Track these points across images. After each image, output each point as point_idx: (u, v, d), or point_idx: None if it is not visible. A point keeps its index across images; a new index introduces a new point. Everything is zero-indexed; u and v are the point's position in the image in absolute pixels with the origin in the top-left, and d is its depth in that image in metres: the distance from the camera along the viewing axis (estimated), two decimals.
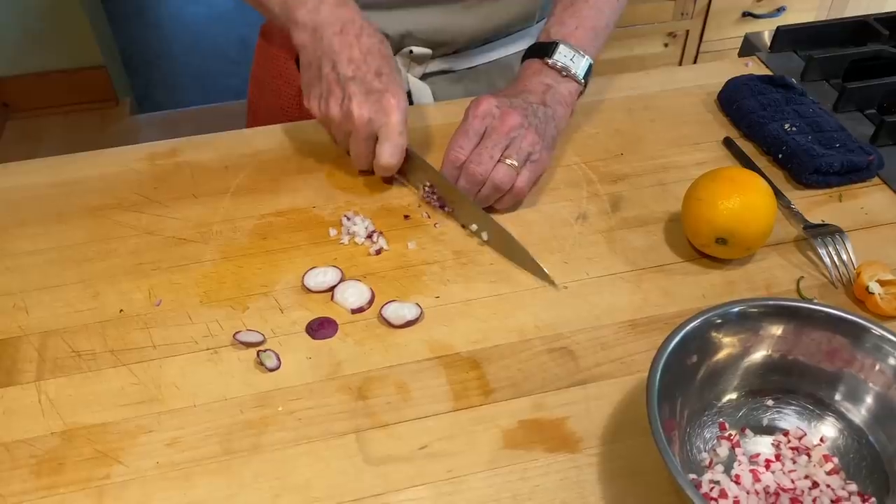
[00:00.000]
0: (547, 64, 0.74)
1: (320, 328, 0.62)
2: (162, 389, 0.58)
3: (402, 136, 0.70)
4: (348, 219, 0.71)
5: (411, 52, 0.85)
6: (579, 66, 0.75)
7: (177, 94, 2.63)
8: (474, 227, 0.70)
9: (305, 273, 0.66)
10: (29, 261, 0.69)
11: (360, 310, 0.64)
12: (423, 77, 0.89)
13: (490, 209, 0.72)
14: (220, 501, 0.52)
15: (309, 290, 0.65)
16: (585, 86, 0.76)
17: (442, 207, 0.72)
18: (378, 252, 0.69)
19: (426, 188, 0.73)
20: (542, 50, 0.75)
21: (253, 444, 0.55)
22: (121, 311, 0.64)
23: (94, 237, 0.71)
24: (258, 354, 0.60)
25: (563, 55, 0.74)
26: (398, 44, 0.85)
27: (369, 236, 0.70)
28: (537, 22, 0.92)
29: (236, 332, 0.61)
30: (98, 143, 0.82)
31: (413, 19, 0.83)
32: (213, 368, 0.60)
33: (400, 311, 0.63)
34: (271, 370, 0.59)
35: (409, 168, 0.74)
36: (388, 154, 0.69)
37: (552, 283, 0.66)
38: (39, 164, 0.79)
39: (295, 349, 0.61)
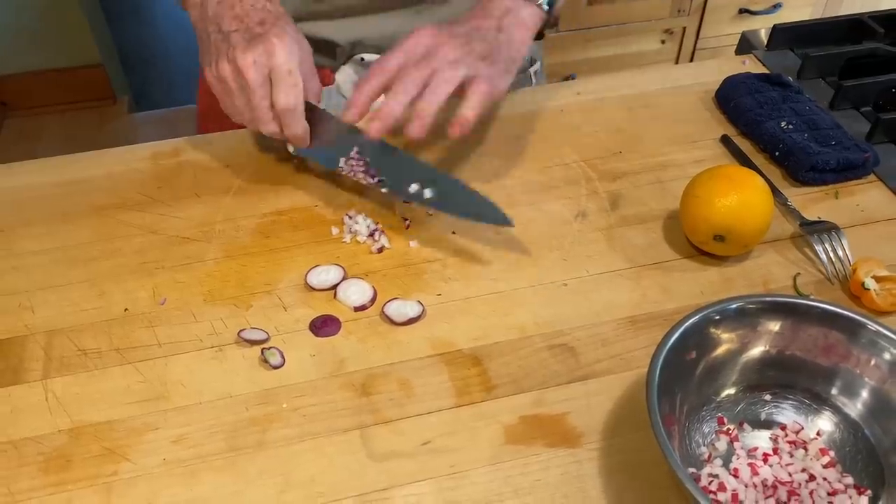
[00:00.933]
0: None
1: (323, 326, 0.63)
2: (167, 387, 0.59)
3: (294, 76, 0.66)
4: (350, 217, 0.72)
5: (362, 59, 0.84)
6: None
7: (174, 92, 2.63)
8: (414, 187, 0.66)
9: (308, 271, 0.67)
10: (34, 260, 0.69)
11: (362, 307, 0.65)
12: None
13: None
14: (226, 497, 0.53)
15: (312, 289, 0.66)
16: (549, 18, 0.74)
17: (373, 178, 0.68)
18: (380, 250, 0.69)
19: (349, 159, 0.69)
20: None
21: (258, 441, 0.56)
22: (126, 309, 0.65)
23: (98, 237, 0.71)
24: (262, 352, 0.60)
25: None
26: (349, 52, 0.85)
27: (371, 235, 0.70)
28: None
29: (240, 330, 0.62)
30: (96, 142, 0.83)
31: (363, 28, 0.83)
32: (218, 366, 0.61)
33: (402, 308, 0.64)
34: (275, 367, 0.60)
35: (324, 131, 0.71)
36: (282, 95, 0.66)
37: (508, 223, 0.65)
38: (43, 163, 0.79)
39: (298, 347, 0.62)
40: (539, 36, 0.75)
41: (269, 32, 0.66)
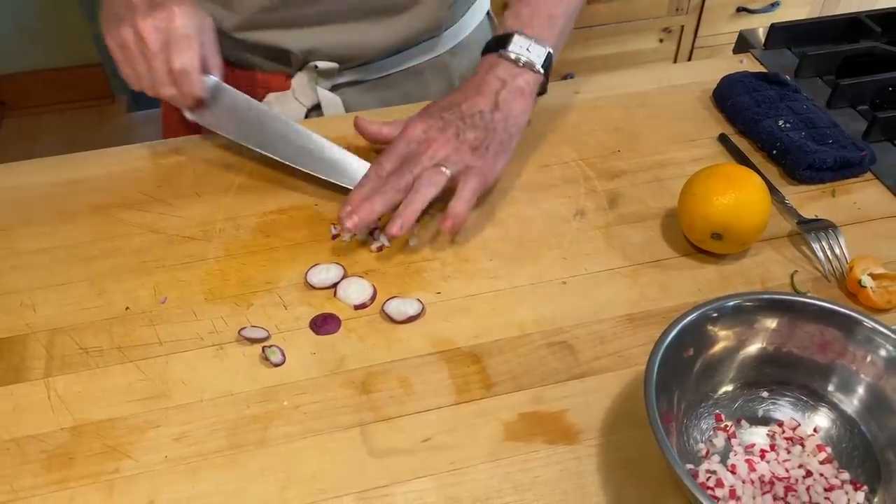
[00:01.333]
0: (502, 56, 0.72)
1: (324, 324, 0.63)
2: (169, 385, 0.60)
3: (190, 40, 0.68)
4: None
5: (316, 66, 0.84)
6: (536, 55, 0.72)
7: None
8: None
9: (308, 270, 0.67)
10: (35, 259, 0.69)
11: (362, 306, 0.65)
12: (334, 89, 0.87)
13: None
14: (228, 494, 0.53)
15: (312, 287, 0.66)
16: (547, 77, 0.74)
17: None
18: (380, 249, 0.70)
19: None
20: (498, 43, 0.73)
21: (259, 438, 0.56)
22: (127, 308, 0.65)
23: (99, 236, 0.71)
24: (263, 350, 0.61)
25: (518, 45, 0.72)
26: (302, 60, 0.84)
27: (371, 233, 0.71)
28: (445, 31, 0.90)
29: (241, 329, 0.62)
30: (95, 141, 0.83)
31: (316, 37, 0.82)
32: (219, 364, 0.61)
33: (402, 306, 0.64)
34: (276, 365, 0.61)
35: (227, 107, 0.74)
36: (177, 56, 0.68)
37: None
38: (43, 163, 0.80)
39: (299, 345, 0.62)
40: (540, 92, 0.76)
41: (170, 2, 0.68)
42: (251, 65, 0.86)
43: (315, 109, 0.88)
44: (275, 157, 0.74)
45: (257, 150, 0.74)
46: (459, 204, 0.67)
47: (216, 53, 0.73)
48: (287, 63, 0.85)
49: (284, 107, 0.86)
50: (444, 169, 0.67)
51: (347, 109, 0.88)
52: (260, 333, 0.62)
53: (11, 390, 0.59)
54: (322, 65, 0.84)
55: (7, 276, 0.68)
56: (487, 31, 0.97)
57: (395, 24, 0.84)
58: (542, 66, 0.73)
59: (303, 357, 0.61)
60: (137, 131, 2.43)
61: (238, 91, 0.75)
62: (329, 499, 0.53)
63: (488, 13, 0.98)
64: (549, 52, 0.73)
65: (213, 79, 0.73)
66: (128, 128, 2.44)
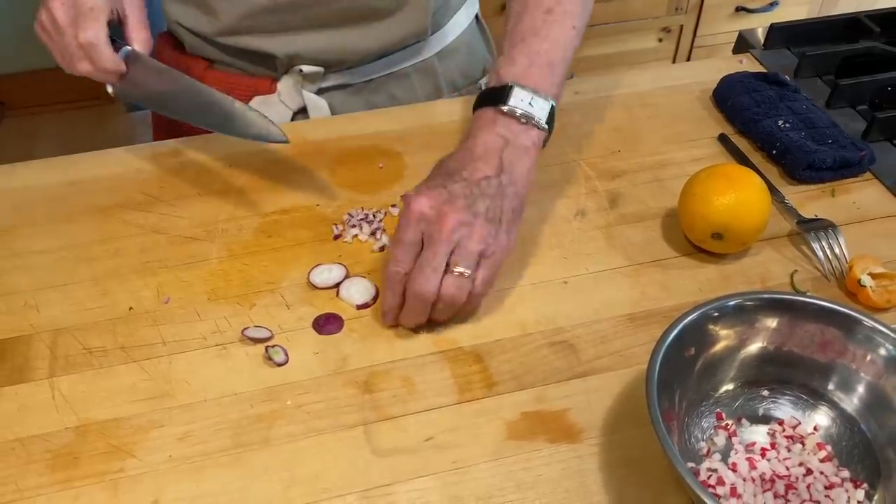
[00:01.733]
0: (502, 112, 0.65)
1: (326, 324, 0.64)
2: (172, 385, 0.60)
3: (95, 12, 0.67)
4: (351, 216, 0.73)
5: (301, 70, 0.83)
6: (539, 108, 0.65)
7: None
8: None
9: (311, 270, 0.68)
10: (39, 260, 0.70)
11: (365, 305, 0.65)
12: (320, 92, 0.87)
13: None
14: (232, 494, 0.53)
15: (315, 287, 0.67)
16: (550, 131, 0.67)
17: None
18: (382, 249, 0.70)
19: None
20: (495, 96, 0.66)
21: (263, 438, 0.56)
22: (130, 308, 0.65)
23: (102, 236, 0.72)
24: (266, 350, 0.61)
25: (518, 100, 0.65)
26: (287, 64, 0.84)
27: (373, 233, 0.71)
28: (430, 35, 0.88)
29: (244, 329, 0.63)
30: (94, 141, 0.83)
31: (300, 42, 0.82)
32: (223, 364, 0.61)
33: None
34: (279, 365, 0.61)
35: (147, 78, 0.72)
36: (82, 30, 0.67)
37: (282, 137, 0.68)
38: (46, 164, 0.80)
39: (302, 345, 0.62)
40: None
41: None
42: (236, 68, 0.86)
43: (301, 112, 0.88)
44: (194, 125, 0.72)
45: (175, 117, 0.73)
46: (475, 300, 0.62)
47: (145, 28, 0.71)
48: (272, 67, 0.85)
49: (270, 110, 0.86)
50: (461, 271, 0.59)
51: (333, 112, 0.88)
52: (263, 333, 0.63)
53: (16, 390, 0.60)
54: (307, 69, 0.84)
55: (10, 277, 0.68)
56: (476, 35, 0.97)
57: (379, 29, 0.83)
58: (546, 122, 0.66)
59: (306, 357, 0.62)
60: (136, 131, 2.43)
61: (153, 59, 0.72)
62: (332, 498, 0.53)
63: (477, 17, 0.98)
64: (552, 106, 0.67)
65: (127, 49, 0.71)
66: (127, 128, 2.44)
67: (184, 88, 0.71)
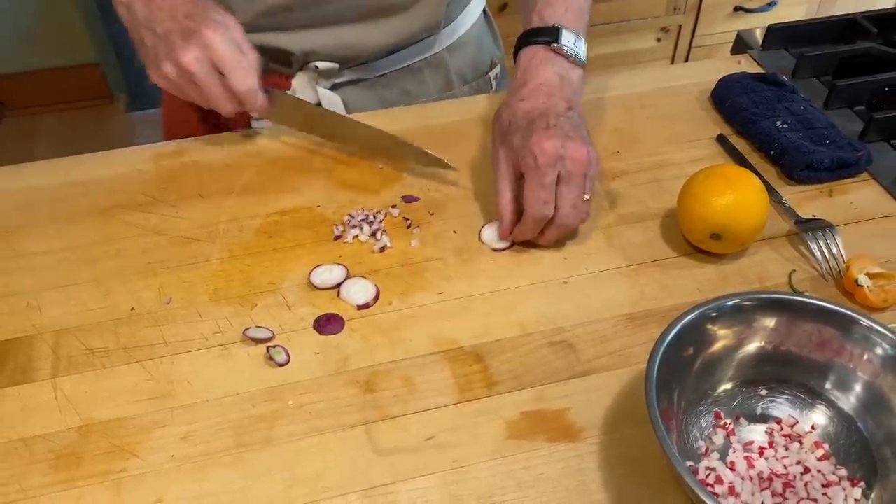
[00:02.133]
0: (554, 50, 0.71)
1: (327, 324, 0.64)
2: (174, 385, 0.60)
3: (239, 60, 0.69)
4: (352, 217, 0.73)
5: (317, 67, 0.85)
6: (581, 50, 0.72)
7: None
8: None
9: (312, 270, 0.68)
10: (41, 261, 0.70)
11: (365, 306, 0.66)
12: (334, 88, 0.88)
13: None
14: (234, 493, 0.54)
15: (315, 288, 0.67)
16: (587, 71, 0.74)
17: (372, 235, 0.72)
18: (382, 249, 0.70)
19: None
20: (545, 35, 0.72)
21: (264, 438, 0.57)
22: (132, 309, 0.66)
23: (104, 237, 0.72)
24: (268, 350, 0.62)
25: (567, 39, 0.71)
26: (302, 61, 0.85)
27: (373, 234, 0.71)
28: (442, 29, 0.90)
29: (246, 329, 0.63)
30: (94, 141, 0.84)
31: (316, 38, 0.83)
32: (224, 364, 0.62)
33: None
34: (281, 365, 0.61)
35: (281, 109, 0.78)
36: (236, 80, 0.69)
37: (450, 167, 0.73)
38: (48, 165, 0.80)
39: (303, 345, 0.63)
40: None
41: (200, 25, 0.68)
42: None
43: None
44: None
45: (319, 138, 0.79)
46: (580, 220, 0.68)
47: (251, 50, 0.73)
48: (287, 64, 0.86)
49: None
50: (587, 198, 0.67)
51: (347, 108, 0.89)
52: (264, 334, 0.63)
53: (19, 391, 0.60)
54: (322, 65, 0.85)
55: (13, 278, 0.69)
56: (484, 28, 0.98)
57: (394, 24, 0.84)
58: (585, 62, 0.73)
59: (307, 357, 0.62)
60: (136, 131, 2.44)
61: (291, 95, 0.79)
62: (334, 497, 0.53)
63: (484, 10, 0.99)
64: (586, 47, 0.73)
65: (270, 90, 0.75)
66: (127, 127, 2.44)
67: (323, 118, 0.76)
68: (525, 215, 0.67)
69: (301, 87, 0.87)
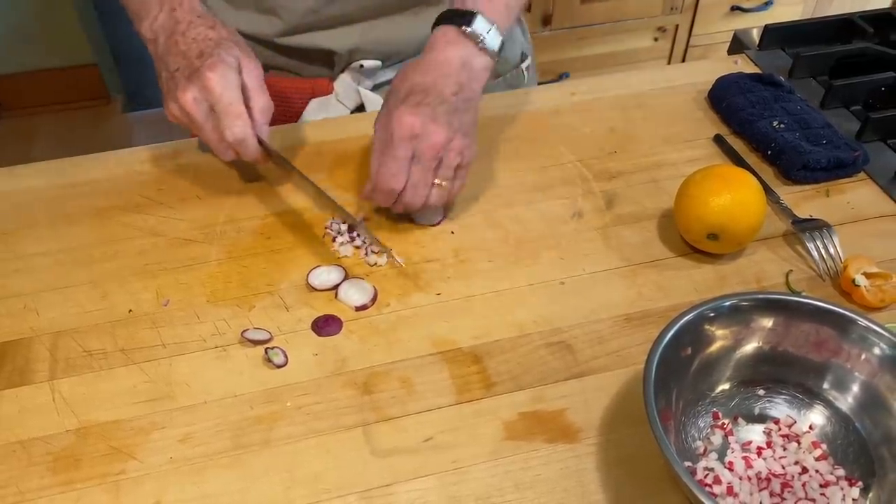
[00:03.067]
0: (463, 33, 0.70)
1: (325, 325, 0.64)
2: (173, 387, 0.60)
3: (234, 106, 0.66)
4: (334, 222, 0.73)
5: (361, 66, 0.85)
6: (493, 39, 0.70)
7: None
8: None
9: (310, 272, 0.68)
10: (38, 262, 0.70)
11: (363, 307, 0.66)
12: (375, 88, 0.89)
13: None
14: (233, 495, 0.54)
15: (313, 289, 0.67)
16: (496, 62, 0.73)
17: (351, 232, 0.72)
18: (374, 263, 0.69)
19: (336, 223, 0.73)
20: (459, 17, 0.71)
21: (263, 439, 0.57)
22: (130, 311, 0.66)
23: (101, 239, 0.72)
24: (266, 352, 0.62)
25: (479, 25, 0.70)
26: (347, 59, 0.85)
27: (363, 250, 0.70)
28: None
29: (244, 331, 0.63)
30: (91, 141, 0.84)
31: (360, 34, 0.84)
32: (222, 366, 0.62)
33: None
34: (279, 367, 0.61)
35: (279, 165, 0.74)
36: (227, 126, 0.66)
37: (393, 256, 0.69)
38: (45, 166, 0.80)
39: (301, 346, 0.63)
40: None
41: (204, 66, 0.66)
42: (293, 71, 0.88)
43: (358, 111, 0.89)
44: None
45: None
46: (449, 205, 0.71)
47: (264, 93, 0.70)
48: (330, 65, 0.87)
49: (328, 111, 0.88)
50: (443, 184, 0.68)
51: None
52: (262, 335, 0.63)
53: (16, 393, 0.60)
54: (368, 63, 0.85)
55: (10, 280, 0.69)
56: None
57: (436, 14, 0.85)
58: (498, 49, 0.71)
59: (305, 358, 0.62)
60: (133, 131, 2.43)
61: (278, 154, 0.73)
62: (333, 498, 0.53)
63: None
64: (502, 41, 0.72)
65: (266, 130, 0.71)
66: (124, 128, 2.44)
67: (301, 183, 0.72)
68: (374, 184, 0.68)
69: (343, 89, 0.87)
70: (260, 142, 0.69)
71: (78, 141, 2.34)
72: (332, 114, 0.88)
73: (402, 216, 0.73)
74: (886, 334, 0.54)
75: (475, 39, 0.70)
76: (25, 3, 2.25)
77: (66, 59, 2.38)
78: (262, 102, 0.69)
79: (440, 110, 0.67)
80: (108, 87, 2.47)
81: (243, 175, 0.78)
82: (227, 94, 0.66)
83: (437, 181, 0.68)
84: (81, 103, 2.47)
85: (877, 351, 0.54)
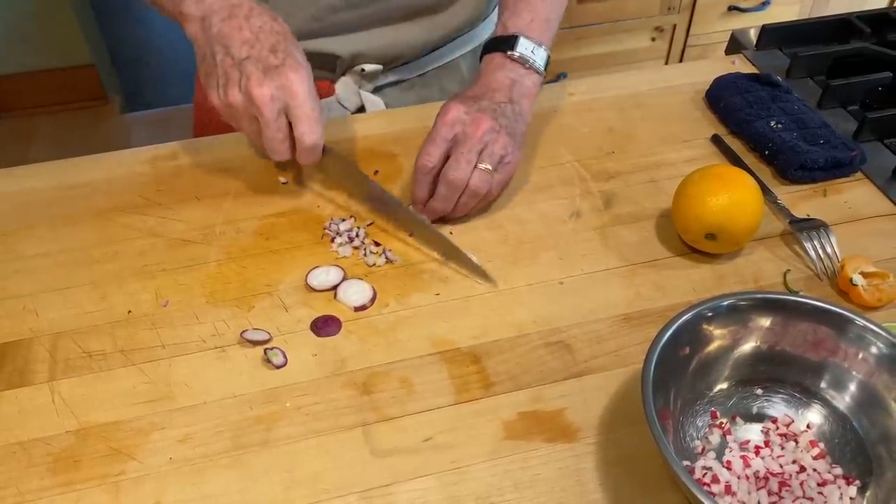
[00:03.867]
0: (510, 57, 0.74)
1: (324, 326, 0.64)
2: (172, 388, 0.60)
3: (315, 111, 0.66)
4: (333, 222, 0.73)
5: (363, 70, 0.86)
6: (539, 58, 0.75)
7: (166, 91, 2.62)
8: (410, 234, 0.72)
9: (308, 272, 0.68)
10: (38, 263, 0.70)
11: (362, 307, 0.66)
12: (376, 90, 0.90)
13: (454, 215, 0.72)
14: (233, 495, 0.54)
15: (312, 289, 0.67)
16: (544, 79, 0.77)
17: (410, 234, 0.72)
18: (373, 264, 0.70)
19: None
20: (504, 43, 0.75)
21: (263, 439, 0.57)
22: (129, 311, 0.66)
23: (100, 240, 0.72)
24: (265, 352, 0.62)
25: (524, 48, 0.74)
26: (349, 63, 0.86)
27: (357, 248, 0.71)
28: (482, 21, 0.93)
29: (243, 331, 0.63)
30: (89, 142, 0.84)
31: (363, 40, 0.85)
32: (222, 366, 0.62)
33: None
34: (278, 367, 0.61)
35: (330, 166, 0.75)
36: (307, 132, 0.66)
37: (489, 279, 0.68)
38: (44, 167, 0.80)
39: (300, 347, 0.63)
40: None
41: (285, 64, 0.65)
42: None
43: (358, 112, 0.90)
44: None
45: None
46: (491, 197, 0.72)
47: (318, 99, 0.70)
48: (332, 68, 0.87)
49: (330, 111, 0.88)
50: (486, 167, 0.69)
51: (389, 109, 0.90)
52: (261, 336, 0.63)
53: (16, 394, 0.60)
54: (369, 67, 0.86)
55: (10, 281, 0.69)
56: None
57: (439, 20, 0.87)
58: (543, 69, 0.76)
59: (304, 359, 0.62)
60: (132, 132, 2.43)
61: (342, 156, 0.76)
62: (332, 498, 0.54)
63: None
64: (548, 55, 0.76)
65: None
66: (122, 129, 2.44)
67: (372, 194, 0.74)
68: (414, 169, 0.70)
69: (344, 91, 0.88)
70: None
71: (76, 142, 2.34)
72: (333, 115, 0.89)
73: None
74: (884, 333, 0.54)
75: (522, 62, 0.74)
76: (23, 3, 2.25)
77: (63, 59, 2.39)
78: (321, 108, 0.68)
79: (487, 106, 0.71)
80: (105, 87, 2.48)
81: (272, 170, 0.79)
82: (310, 100, 0.66)
83: (482, 165, 0.69)
84: (79, 104, 2.47)
85: (874, 350, 0.54)
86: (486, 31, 0.94)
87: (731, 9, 2.08)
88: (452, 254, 0.69)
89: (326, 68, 0.87)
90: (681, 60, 2.14)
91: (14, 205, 0.76)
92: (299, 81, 0.65)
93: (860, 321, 0.55)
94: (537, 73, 0.75)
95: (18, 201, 0.77)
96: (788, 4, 2.11)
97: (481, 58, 0.77)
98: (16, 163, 0.81)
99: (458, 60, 0.93)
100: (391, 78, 0.90)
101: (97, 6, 2.54)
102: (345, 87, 0.88)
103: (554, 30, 0.79)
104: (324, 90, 0.88)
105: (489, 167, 0.69)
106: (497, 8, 0.93)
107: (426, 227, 0.70)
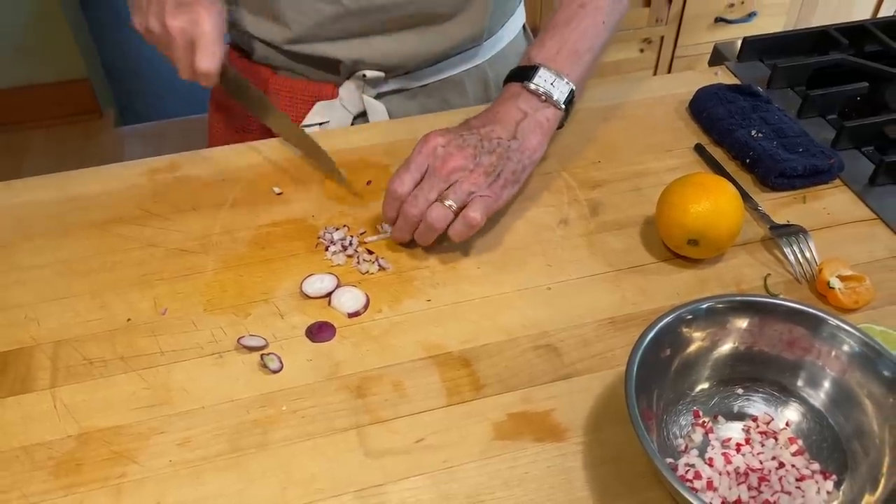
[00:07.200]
0: (526, 88, 0.73)
1: (319, 332, 0.66)
2: (171, 393, 0.62)
3: (216, 45, 0.75)
4: (327, 231, 0.75)
5: (364, 76, 0.88)
6: (560, 91, 0.73)
7: (160, 104, 2.64)
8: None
9: (303, 280, 0.70)
10: (38, 274, 0.72)
11: (356, 314, 0.68)
12: (378, 97, 0.92)
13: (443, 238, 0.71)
14: (231, 496, 0.56)
15: (307, 297, 0.69)
16: (568, 112, 0.75)
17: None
18: (365, 273, 0.71)
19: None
20: (522, 74, 0.74)
21: (259, 442, 0.59)
22: (128, 320, 0.67)
23: (99, 250, 0.74)
24: (261, 358, 0.63)
25: (542, 79, 0.73)
26: (350, 69, 0.89)
27: (351, 257, 0.72)
28: (484, 41, 0.93)
29: (240, 337, 0.65)
30: (83, 155, 0.86)
31: (364, 48, 0.87)
32: (219, 372, 0.63)
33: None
34: (274, 372, 0.63)
35: (242, 95, 0.85)
36: (204, 60, 0.74)
37: (343, 179, 0.78)
38: (43, 180, 0.82)
39: (296, 352, 0.65)
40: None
41: (198, 2, 0.74)
42: (300, 74, 0.91)
43: (360, 116, 0.92)
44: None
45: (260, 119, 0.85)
46: (458, 225, 0.68)
47: (223, 42, 0.78)
48: (335, 73, 0.90)
49: (332, 114, 0.91)
50: (450, 203, 0.67)
51: (391, 116, 0.92)
52: (258, 342, 0.65)
53: (19, 400, 0.62)
54: (369, 74, 0.88)
55: (11, 291, 0.70)
56: (522, 42, 1.02)
57: (439, 33, 0.88)
58: (564, 103, 0.73)
59: (300, 364, 0.64)
60: (125, 145, 2.45)
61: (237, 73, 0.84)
62: (328, 498, 0.55)
63: (524, 26, 1.02)
64: (571, 89, 0.74)
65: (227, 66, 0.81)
66: (116, 142, 2.45)
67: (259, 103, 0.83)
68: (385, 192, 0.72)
69: (347, 95, 0.90)
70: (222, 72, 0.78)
71: (70, 155, 2.36)
72: (336, 117, 0.91)
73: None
74: (855, 332, 0.56)
75: (538, 94, 0.73)
76: (17, 17, 2.27)
77: (57, 73, 2.40)
78: (225, 47, 0.77)
79: (471, 142, 0.69)
80: (99, 101, 2.49)
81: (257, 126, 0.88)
82: (212, 33, 0.74)
83: (445, 202, 0.67)
84: (73, 117, 2.48)
85: (846, 348, 0.57)
86: (487, 51, 0.94)
87: (718, 20, 2.11)
88: (312, 151, 0.80)
89: (331, 72, 0.89)
90: (669, 71, 2.17)
91: (13, 217, 0.78)
92: (206, 16, 0.74)
93: (832, 321, 0.57)
94: (555, 106, 0.73)
95: (17, 214, 0.78)
96: (775, 16, 2.15)
97: (503, 84, 0.76)
98: (9, 176, 0.83)
99: (462, 76, 0.94)
100: (393, 86, 0.92)
101: (91, 20, 2.56)
102: (348, 91, 0.90)
103: (586, 63, 0.76)
104: (327, 93, 0.90)
105: (453, 204, 0.67)
106: (504, 28, 0.96)
107: (290, 126, 0.82)
